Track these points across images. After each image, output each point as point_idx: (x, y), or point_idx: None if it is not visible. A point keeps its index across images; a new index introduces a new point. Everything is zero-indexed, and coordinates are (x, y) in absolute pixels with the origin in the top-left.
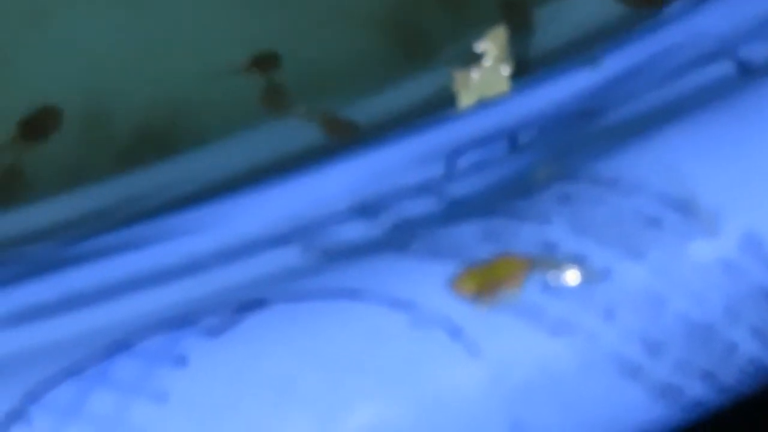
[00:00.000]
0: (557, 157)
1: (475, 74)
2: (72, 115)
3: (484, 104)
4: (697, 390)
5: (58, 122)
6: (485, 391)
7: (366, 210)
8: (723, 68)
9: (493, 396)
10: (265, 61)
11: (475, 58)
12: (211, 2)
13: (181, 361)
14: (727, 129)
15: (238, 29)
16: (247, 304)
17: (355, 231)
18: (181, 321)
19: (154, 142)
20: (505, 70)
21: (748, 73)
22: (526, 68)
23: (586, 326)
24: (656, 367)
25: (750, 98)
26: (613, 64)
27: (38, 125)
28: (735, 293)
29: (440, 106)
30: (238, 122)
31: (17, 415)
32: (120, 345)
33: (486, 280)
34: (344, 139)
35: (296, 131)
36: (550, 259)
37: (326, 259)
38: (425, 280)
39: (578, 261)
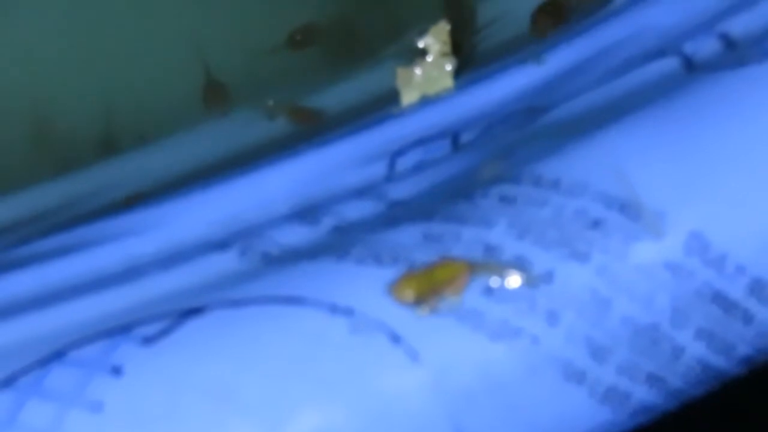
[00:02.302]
0: (499, 158)
1: (418, 70)
2: (15, 120)
3: (426, 102)
4: (644, 394)
5: None
6: (427, 396)
7: (306, 213)
8: (668, 64)
9: (435, 401)
10: (303, 36)
11: (419, 54)
12: (153, 4)
13: (116, 370)
14: (671, 127)
15: (179, 33)
16: (184, 311)
17: (295, 235)
18: (117, 329)
19: (97, 145)
20: (449, 66)
21: (693, 68)
22: (470, 64)
23: (529, 330)
24: (601, 370)
25: (695, 95)
26: (558, 60)
27: None
28: (681, 295)
29: (384, 103)
30: (182, 123)
31: None
32: (55, 354)
33: (426, 285)
34: (312, 127)
35: (240, 130)
36: (491, 262)
37: (265, 264)
38: (365, 285)
39: (520, 264)
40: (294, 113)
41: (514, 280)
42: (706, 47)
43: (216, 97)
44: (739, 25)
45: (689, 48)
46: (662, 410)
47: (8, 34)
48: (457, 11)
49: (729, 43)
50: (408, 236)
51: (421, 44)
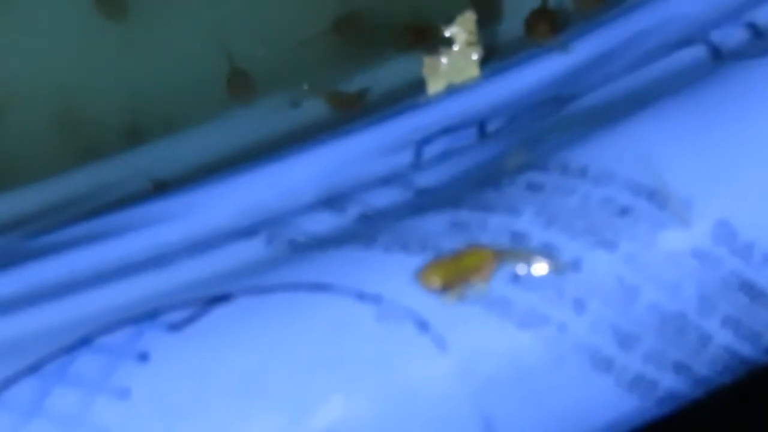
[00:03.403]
0: (526, 146)
1: (444, 59)
2: (42, 109)
3: (452, 91)
4: (670, 381)
5: None
6: (454, 383)
7: (333, 201)
8: (695, 52)
9: (461, 389)
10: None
11: (445, 43)
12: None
13: (143, 356)
14: (698, 116)
15: (205, 21)
16: (210, 298)
17: (322, 222)
18: (144, 316)
19: (123, 133)
20: (475, 55)
21: (720, 57)
22: (496, 53)
23: (556, 318)
24: (628, 358)
25: (722, 83)
26: (584, 49)
27: None
28: (709, 283)
29: (410, 91)
30: (208, 111)
31: None
32: (81, 341)
33: (454, 272)
34: (351, 111)
35: (265, 119)
36: (519, 250)
37: (292, 251)
38: (392, 273)
39: (548, 252)
40: (333, 98)
41: (541, 268)
42: (733, 36)
43: (241, 86)
44: (766, 15)
45: (716, 37)
46: (689, 398)
47: (34, 24)
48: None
49: (756, 32)
50: (435, 224)
51: (447, 33)
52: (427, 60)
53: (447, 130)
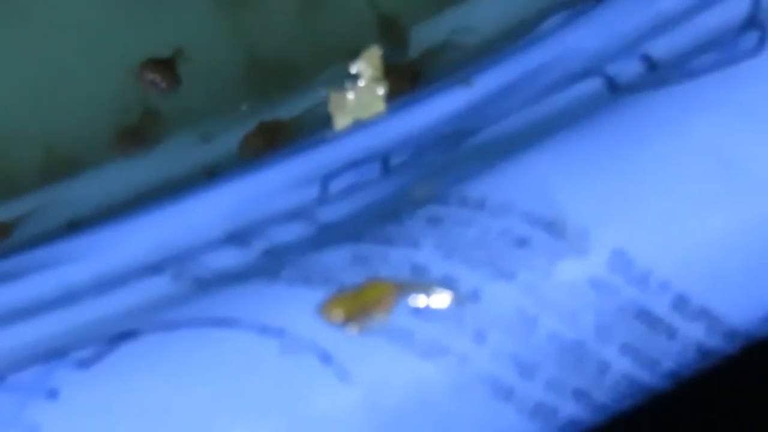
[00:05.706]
0: (428, 180)
1: (350, 95)
2: None
3: (357, 126)
4: (571, 409)
5: None
6: (357, 415)
7: (238, 237)
8: (592, 85)
9: (366, 421)
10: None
11: (351, 79)
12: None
13: (52, 393)
14: (594, 147)
15: (118, 61)
16: (118, 335)
17: (227, 259)
18: (53, 353)
19: (34, 172)
20: (381, 91)
21: (616, 89)
22: (406, 88)
23: (457, 349)
24: (529, 387)
25: (618, 115)
26: (486, 83)
27: None
28: (606, 311)
29: (317, 127)
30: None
31: None
32: None
33: (355, 306)
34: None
35: (174, 158)
36: (419, 282)
37: (197, 288)
38: (295, 307)
39: (447, 284)
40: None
41: (441, 300)
42: (628, 69)
43: (151, 124)
44: (660, 48)
45: (612, 70)
46: (589, 425)
47: None
48: (392, 36)
49: (651, 64)
50: (337, 258)
51: (353, 69)
52: (334, 96)
53: (352, 165)
